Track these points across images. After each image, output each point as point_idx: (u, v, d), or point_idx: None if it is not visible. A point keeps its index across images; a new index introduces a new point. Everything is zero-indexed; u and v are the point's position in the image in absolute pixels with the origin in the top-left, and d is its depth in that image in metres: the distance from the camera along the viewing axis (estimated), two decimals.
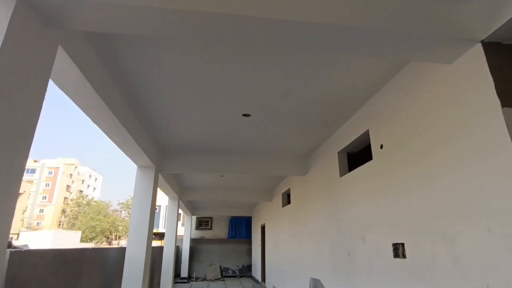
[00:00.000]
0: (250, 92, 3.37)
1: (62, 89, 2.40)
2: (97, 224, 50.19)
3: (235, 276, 13.60)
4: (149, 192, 5.08)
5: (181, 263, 12.91)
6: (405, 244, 2.81)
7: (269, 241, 9.55)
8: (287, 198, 7.83)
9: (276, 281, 8.03)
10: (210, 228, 14.73)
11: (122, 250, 4.94)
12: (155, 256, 8.32)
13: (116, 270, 4.88)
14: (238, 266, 13.90)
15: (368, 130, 3.60)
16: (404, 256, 2.82)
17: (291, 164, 5.91)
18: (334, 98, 3.53)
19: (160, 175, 5.93)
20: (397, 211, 2.96)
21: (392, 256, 2.97)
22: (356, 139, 3.91)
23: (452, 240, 2.25)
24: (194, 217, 14.60)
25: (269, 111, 3.84)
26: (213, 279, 12.87)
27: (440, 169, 2.41)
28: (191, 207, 12.71)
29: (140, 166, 5.18)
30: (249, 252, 13.99)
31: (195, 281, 12.46)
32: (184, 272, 12.66)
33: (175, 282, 11.72)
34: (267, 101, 3.59)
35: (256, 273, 11.98)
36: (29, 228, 57.69)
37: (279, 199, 8.25)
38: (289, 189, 7.31)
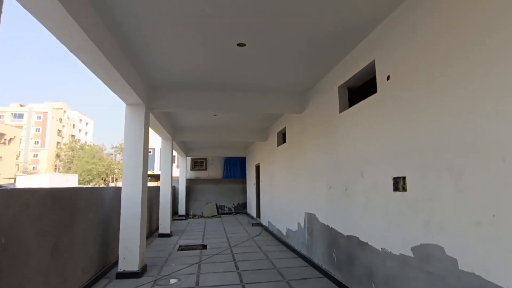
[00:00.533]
0: (245, 17, 2.98)
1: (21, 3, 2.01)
2: (93, 168, 51.09)
3: (231, 213, 14.25)
4: (140, 131, 4.89)
5: (178, 202, 13.36)
6: (406, 178, 2.75)
7: (263, 180, 9.75)
8: (282, 138, 7.77)
9: (271, 217, 8.37)
10: (205, 169, 14.98)
11: (118, 189, 4.91)
12: (152, 195, 8.45)
13: (114, 208, 4.91)
14: (233, 204, 14.50)
15: (374, 60, 3.32)
16: (404, 189, 2.78)
17: (287, 102, 5.68)
18: (336, 28, 3.17)
19: (151, 114, 5.69)
20: (400, 145, 2.85)
21: (392, 189, 2.94)
22: (359, 71, 3.64)
23: (459, 172, 2.16)
24: (188, 158, 14.72)
25: (266, 40, 3.48)
26: (209, 216, 13.47)
27: (451, 96, 2.22)
28: (185, 148, 12.70)
29: (129, 104, 4.90)
30: (244, 191, 14.47)
31: (193, 218, 13.04)
32: (181, 210, 13.16)
33: (173, 219, 12.24)
34: (263, 28, 3.22)
35: (251, 210, 12.53)
36: (25, 172, 58.48)
37: (274, 138, 8.18)
38: (284, 128, 7.19)
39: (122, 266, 4.56)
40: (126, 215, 4.68)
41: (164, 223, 8.13)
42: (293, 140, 6.35)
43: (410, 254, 2.65)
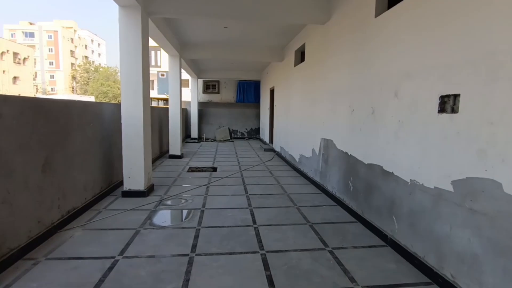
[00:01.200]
0: None
1: None
2: (108, 90, 51.35)
3: (243, 138, 14.13)
4: (137, 39, 4.23)
5: (190, 125, 13.20)
6: (460, 96, 2.14)
7: (278, 104, 9.19)
8: (300, 56, 6.92)
9: (284, 142, 8.05)
10: (218, 92, 14.40)
11: (119, 106, 4.51)
12: (162, 117, 8.14)
13: (116, 126, 4.58)
14: (246, 129, 14.27)
15: None
16: (454, 110, 2.19)
17: (310, 9, 4.74)
18: None
19: (152, 23, 4.93)
20: (456, 54, 2.16)
21: (436, 111, 2.35)
22: None
23: None
24: (200, 81, 14.07)
25: None
26: (222, 140, 13.40)
27: None
28: (196, 69, 11.97)
29: (122, 6, 4.15)
30: (257, 115, 14.06)
31: (206, 141, 13.00)
32: (194, 133, 13.08)
33: (185, 142, 12.24)
34: None
35: (264, 135, 12.27)
36: (44, 93, 59.64)
37: (291, 58, 7.33)
38: (303, 45, 6.31)
39: (127, 185, 4.43)
40: (128, 134, 4.36)
41: (175, 145, 7.97)
42: (313, 58, 5.56)
43: (449, 188, 2.20)
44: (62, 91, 62.31)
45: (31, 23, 68.92)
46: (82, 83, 61.35)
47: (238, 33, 6.84)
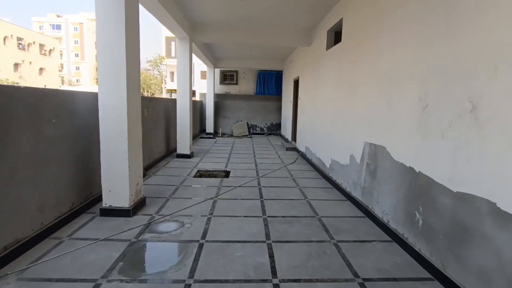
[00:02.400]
0: None
1: None
2: None
3: (263, 134, 12.94)
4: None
5: (205, 119, 12.14)
6: None
7: (303, 96, 7.90)
8: (334, 37, 5.60)
9: (311, 142, 6.79)
10: (236, 83, 13.24)
11: (95, 96, 3.43)
12: (170, 110, 7.08)
13: (95, 121, 3.51)
14: (266, 124, 13.05)
15: None
16: None
17: None
18: None
19: None
20: None
21: None
22: None
23: None
24: (217, 71, 12.95)
25: None
26: (239, 135, 12.27)
27: None
28: (211, 57, 10.83)
29: None
30: (279, 109, 12.80)
31: (221, 136, 11.92)
32: (209, 128, 12.03)
33: (200, 137, 11.21)
34: None
35: (286, 132, 11.02)
36: (70, 84, 60.91)
37: (321, 40, 6.02)
38: (339, 22, 4.99)
39: (107, 201, 3.37)
40: (106, 132, 3.28)
41: (183, 142, 6.91)
42: (355, 36, 4.24)
43: None
44: (87, 82, 63.65)
45: (58, 16, 70.50)
46: None
47: (258, 9, 5.60)
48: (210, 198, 4.11)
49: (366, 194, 3.69)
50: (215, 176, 5.67)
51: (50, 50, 51.86)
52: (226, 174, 5.77)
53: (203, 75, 12.27)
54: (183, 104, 6.79)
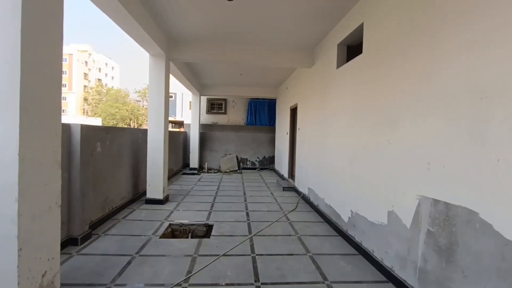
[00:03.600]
0: None
1: None
2: (116, 112, 50.20)
3: (254, 169, 11.51)
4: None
5: (189, 152, 10.71)
6: None
7: (303, 127, 6.64)
8: (346, 52, 4.44)
9: (317, 183, 5.41)
10: (224, 112, 12.00)
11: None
12: (139, 143, 5.67)
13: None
14: (258, 158, 11.67)
15: None
16: None
17: None
18: None
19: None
20: None
21: None
22: None
23: None
24: (204, 98, 11.74)
25: None
26: (228, 171, 10.81)
27: None
28: (196, 83, 9.64)
29: None
30: (272, 141, 11.50)
31: (208, 172, 10.43)
32: (194, 163, 10.55)
33: (182, 173, 9.69)
34: None
35: (281, 167, 9.64)
36: None
37: (329, 57, 4.85)
38: (357, 30, 3.84)
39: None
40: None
41: (154, 184, 5.42)
42: (389, 40, 3.03)
43: None
44: (73, 113, 62.14)
45: None
46: (94, 105, 61.02)
47: (250, 21, 4.43)
48: (175, 286, 2.60)
49: (430, 284, 2.25)
50: (192, 234, 4.18)
51: None
52: (208, 229, 4.28)
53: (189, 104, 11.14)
54: (155, 137, 5.39)
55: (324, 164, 4.89)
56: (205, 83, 10.24)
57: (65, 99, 68.03)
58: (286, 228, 4.31)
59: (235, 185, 7.81)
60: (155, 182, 5.42)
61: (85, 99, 67.67)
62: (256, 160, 11.63)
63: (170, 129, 13.92)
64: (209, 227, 4.36)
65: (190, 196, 6.28)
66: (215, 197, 6.21)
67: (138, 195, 5.68)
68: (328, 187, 4.68)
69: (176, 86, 15.06)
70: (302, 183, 6.52)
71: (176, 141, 9.66)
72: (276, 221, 4.61)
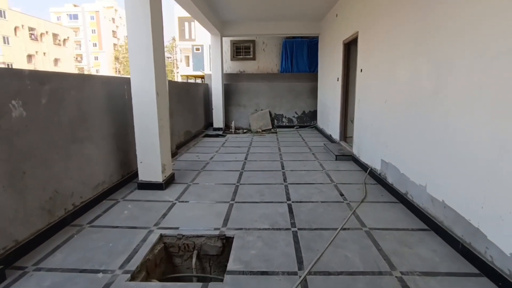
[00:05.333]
0: None
1: None
2: None
3: (291, 127, 9.42)
4: None
5: (211, 109, 8.80)
6: None
7: (372, 66, 4.34)
8: None
9: (405, 158, 3.28)
10: (253, 58, 9.69)
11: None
12: (125, 99, 3.77)
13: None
14: (296, 113, 9.50)
15: None
16: None
17: None
18: None
19: None
20: None
21: None
22: None
23: None
24: (227, 41, 9.47)
25: None
26: (260, 130, 8.86)
27: None
28: (216, 21, 7.40)
29: None
30: (314, 92, 9.19)
31: (235, 133, 8.56)
32: (218, 122, 8.69)
33: (204, 136, 7.92)
34: None
35: (327, 125, 7.48)
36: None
37: None
38: None
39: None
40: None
41: (148, 161, 3.63)
42: None
43: None
44: (106, 73, 62.50)
45: (75, 5, 69.40)
46: (125, 63, 60.54)
47: None
48: None
49: None
50: (199, 253, 2.40)
51: (65, 40, 50.24)
52: (224, 246, 2.47)
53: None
54: (143, 89, 3.45)
55: (437, 126, 2.69)
56: (227, 19, 7.93)
57: (97, 59, 68.25)
58: (365, 248, 2.33)
59: (269, 152, 5.87)
60: (149, 158, 3.61)
61: (116, 58, 67.42)
62: (293, 116, 9.48)
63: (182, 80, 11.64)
64: (226, 241, 2.53)
65: (206, 172, 4.46)
66: (241, 174, 4.33)
67: (131, 175, 3.96)
68: (442, 170, 2.54)
69: (205, 35, 12.59)
70: (367, 151, 4.39)
71: (195, 96, 7.74)
72: (342, 228, 2.65)
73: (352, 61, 5.87)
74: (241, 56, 9.64)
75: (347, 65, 5.92)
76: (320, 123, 8.49)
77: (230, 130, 8.85)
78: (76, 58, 66.26)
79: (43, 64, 44.15)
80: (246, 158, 5.34)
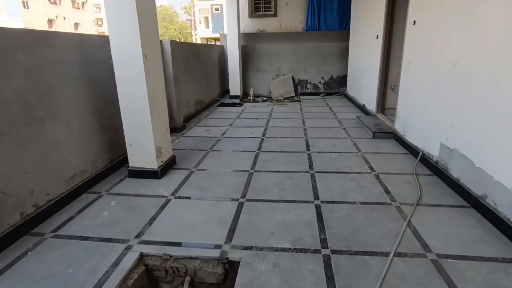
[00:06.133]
0: None
1: None
2: (164, 32, 47.62)
3: (317, 94, 8.36)
4: None
5: (227, 74, 7.86)
6: None
7: (432, 15, 3.24)
8: None
9: (477, 144, 2.33)
10: (274, 14, 8.46)
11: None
12: (111, 64, 2.92)
13: None
14: (323, 79, 8.37)
15: None
16: None
17: None
18: None
19: None
20: None
21: None
22: None
23: None
24: None
25: None
26: (281, 98, 7.91)
27: None
28: None
29: None
30: (344, 54, 7.96)
31: (253, 101, 7.69)
32: (234, 89, 7.79)
33: (219, 104, 7.13)
34: None
35: (359, 93, 6.41)
36: None
37: None
38: None
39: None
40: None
41: (139, 143, 2.90)
42: None
43: None
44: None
45: None
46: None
47: None
48: None
49: None
50: (191, 282, 1.69)
51: (83, 3, 49.26)
52: (226, 274, 1.74)
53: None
54: (127, 48, 2.63)
55: None
56: None
57: None
58: (435, 281, 1.54)
59: (292, 126, 5.00)
60: (140, 140, 2.88)
61: None
62: (319, 82, 8.38)
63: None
64: (230, 266, 1.81)
65: (215, 153, 3.71)
66: (256, 157, 3.54)
67: (123, 158, 3.27)
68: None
69: None
70: (418, 129, 3.43)
71: (207, 60, 6.81)
72: (396, 253, 1.83)
73: (398, 12, 4.67)
74: (261, 13, 8.43)
75: (391, 18, 4.73)
76: (350, 90, 7.38)
77: (249, 98, 7.96)
78: (97, 22, 65.92)
79: (64, 29, 43.79)
80: (264, 134, 4.52)
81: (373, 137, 4.22)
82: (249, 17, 8.45)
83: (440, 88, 2.96)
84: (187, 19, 56.08)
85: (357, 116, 5.28)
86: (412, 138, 3.59)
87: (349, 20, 7.61)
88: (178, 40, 42.85)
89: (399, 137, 3.96)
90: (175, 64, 4.57)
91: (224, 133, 4.65)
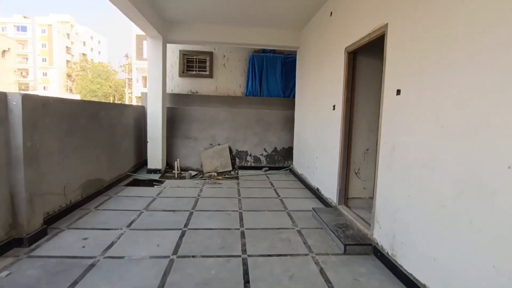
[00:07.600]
0: None
1: None
2: (98, 88, 44.88)
3: (259, 168, 7.01)
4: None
5: (144, 141, 6.13)
6: None
7: (432, 77, 2.14)
8: None
9: None
10: (210, 75, 7.33)
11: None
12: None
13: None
14: (265, 150, 7.14)
15: None
16: None
17: None
18: None
19: None
20: None
21: None
22: None
23: None
24: (175, 50, 7.07)
25: None
26: (215, 173, 6.34)
27: None
28: (156, 18, 4.97)
29: None
30: (289, 123, 6.96)
31: (179, 177, 5.95)
32: (155, 160, 6.01)
33: (129, 183, 5.22)
34: None
35: (310, 171, 5.19)
36: (36, 91, 54.16)
37: None
38: None
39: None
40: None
41: None
42: None
43: None
44: (55, 90, 57.29)
45: (25, 17, 64.31)
46: (78, 82, 55.85)
47: None
48: None
49: None
50: None
51: (4, 51, 44.67)
52: None
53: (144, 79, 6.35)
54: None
55: None
56: (174, 18, 5.55)
57: (45, 75, 62.61)
58: None
59: (223, 227, 3.34)
60: None
61: (69, 75, 62.65)
62: (261, 154, 7.12)
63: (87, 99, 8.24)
64: None
65: None
66: None
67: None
68: None
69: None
70: (430, 258, 2.07)
71: (116, 123, 5.05)
72: None
73: (360, 79, 3.71)
74: (194, 72, 7.24)
75: (351, 86, 3.74)
76: (297, 166, 6.19)
77: (173, 171, 6.21)
78: (21, 73, 60.61)
79: None
80: (176, 248, 2.76)
81: (345, 252, 2.78)
82: (180, 75, 7.16)
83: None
84: (128, 78, 54.57)
85: (313, 209, 3.88)
86: (413, 267, 2.21)
87: (293, 88, 6.78)
88: (113, 98, 40.18)
89: (384, 255, 2.57)
90: (32, 131, 2.77)
91: (111, 245, 2.79)
